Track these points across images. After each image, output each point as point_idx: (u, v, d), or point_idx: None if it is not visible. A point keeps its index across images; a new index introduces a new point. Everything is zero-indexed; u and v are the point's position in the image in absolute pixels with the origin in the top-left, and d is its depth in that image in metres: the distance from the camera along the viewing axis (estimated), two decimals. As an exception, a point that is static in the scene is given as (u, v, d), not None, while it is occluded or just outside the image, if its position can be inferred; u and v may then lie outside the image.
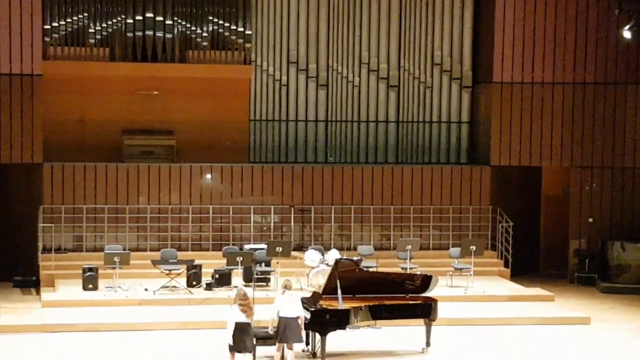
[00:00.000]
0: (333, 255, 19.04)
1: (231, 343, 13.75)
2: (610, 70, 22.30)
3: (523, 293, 19.81)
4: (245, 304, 13.83)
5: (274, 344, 14.57)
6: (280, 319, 14.31)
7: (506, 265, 21.53)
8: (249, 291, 16.32)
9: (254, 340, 14.27)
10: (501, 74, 22.07)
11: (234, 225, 21.31)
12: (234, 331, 13.69)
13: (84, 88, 21.81)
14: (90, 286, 18.79)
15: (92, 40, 21.50)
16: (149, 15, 21.60)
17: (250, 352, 14.17)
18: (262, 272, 19.22)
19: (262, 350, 14.81)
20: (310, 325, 14.87)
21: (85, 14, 21.48)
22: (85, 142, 21.74)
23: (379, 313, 15.28)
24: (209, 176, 21.46)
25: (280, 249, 18.92)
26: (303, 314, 14.42)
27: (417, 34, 23.05)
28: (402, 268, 19.62)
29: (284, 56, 22.71)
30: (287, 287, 14.53)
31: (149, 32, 21.57)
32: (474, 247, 19.80)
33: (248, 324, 13.83)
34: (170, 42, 21.72)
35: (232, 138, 22.29)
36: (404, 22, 23.01)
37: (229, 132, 22.26)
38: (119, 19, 21.62)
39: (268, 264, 19.55)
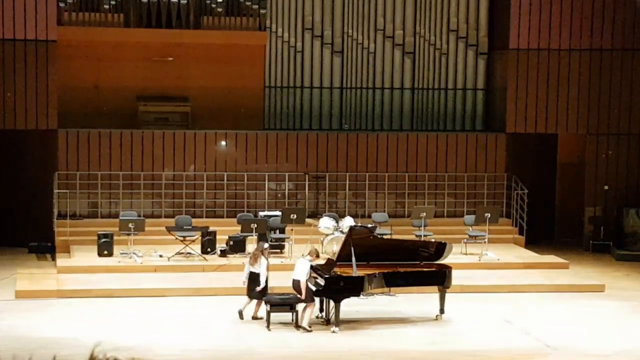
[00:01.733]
0: (347, 222, 19.04)
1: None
2: (627, 37, 22.11)
3: (538, 261, 19.79)
4: (252, 254, 15.45)
5: (288, 311, 14.78)
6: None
7: (521, 233, 21.49)
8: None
9: (262, 290, 15.22)
10: (517, 41, 21.92)
11: (248, 192, 21.32)
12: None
13: (98, 54, 21.78)
14: (105, 252, 18.86)
15: (106, 6, 21.44)
16: (164, -19, 21.49)
17: (256, 299, 15.27)
18: (277, 239, 19.24)
19: (276, 317, 14.90)
20: (324, 292, 14.91)
21: (100, -20, 21.40)
22: (100, 108, 21.73)
23: (393, 280, 15.30)
24: (223, 143, 21.45)
25: (295, 216, 18.94)
26: (302, 278, 14.89)
27: (432, 0, 22.88)
28: (416, 235, 19.61)
29: (299, 22, 22.60)
30: (310, 253, 15.24)
31: (164, -1, 21.48)
32: (489, 215, 19.76)
33: (254, 273, 15.21)
34: (185, 8, 21.63)
35: (246, 105, 22.25)
36: (420, -12, 22.84)
37: (243, 99, 22.22)
38: (133, -16, 21.53)
39: (282, 231, 19.57)
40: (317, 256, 15.35)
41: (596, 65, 22.15)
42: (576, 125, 22.28)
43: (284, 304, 14.93)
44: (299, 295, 14.86)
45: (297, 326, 14.85)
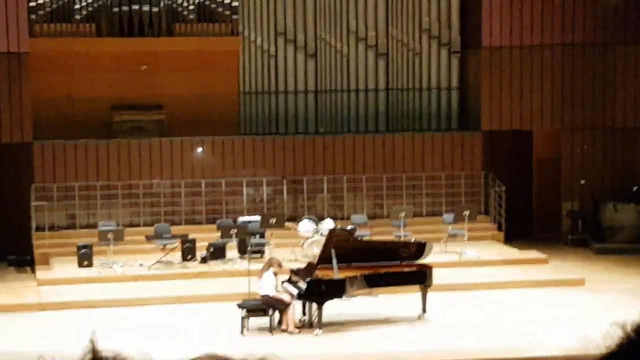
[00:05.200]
0: (327, 225, 19.05)
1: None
2: (598, 31, 22.25)
3: (517, 257, 19.88)
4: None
5: (264, 315, 14.76)
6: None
7: (500, 229, 21.58)
8: (244, 263, 16.40)
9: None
10: (490, 38, 22.01)
11: (226, 198, 21.29)
12: None
13: (71, 64, 21.68)
14: (85, 263, 18.78)
15: (78, 16, 21.35)
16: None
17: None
18: (257, 244, 19.23)
19: (254, 322, 14.90)
20: (306, 296, 14.92)
21: (70, -10, 21.32)
22: (74, 119, 21.61)
23: (374, 281, 15.33)
24: (200, 150, 21.41)
25: (274, 220, 18.93)
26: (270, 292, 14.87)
27: (404, 1, 22.94)
28: (396, 236, 19.64)
29: (272, 27, 22.60)
30: (269, 265, 15.09)
31: (135, 6, 21.43)
32: (467, 213, 19.83)
33: None
34: (156, 15, 21.58)
35: (222, 111, 22.21)
36: (391, -11, 22.90)
37: (218, 105, 22.18)
38: (104, -6, 21.46)
39: (262, 236, 19.55)
40: (279, 265, 15.19)
41: (568, 60, 22.28)
42: (551, 121, 22.40)
43: (259, 309, 14.91)
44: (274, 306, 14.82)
45: (272, 330, 14.83)
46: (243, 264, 18.06)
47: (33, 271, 19.37)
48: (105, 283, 17.99)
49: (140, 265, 18.89)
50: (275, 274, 14.98)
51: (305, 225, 19.40)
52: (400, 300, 16.47)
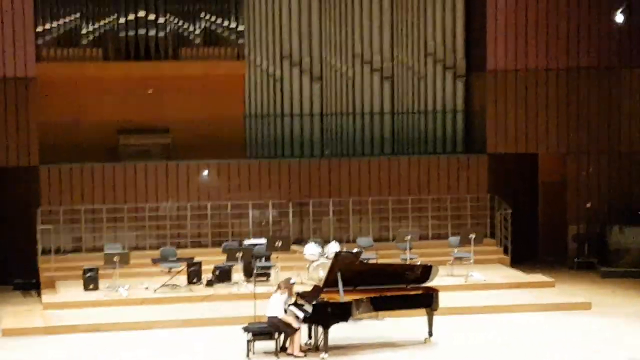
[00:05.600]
0: (333, 248, 19.05)
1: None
2: (603, 55, 22.30)
3: (523, 280, 19.83)
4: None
5: (270, 339, 14.71)
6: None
7: (506, 252, 21.56)
8: (250, 287, 16.41)
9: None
10: (495, 62, 22.08)
11: (232, 221, 21.31)
12: None
13: (78, 89, 21.80)
14: (91, 287, 18.79)
15: (84, 41, 21.48)
16: (141, 14, 21.57)
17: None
18: (262, 267, 19.22)
19: (260, 345, 14.88)
20: (312, 319, 14.90)
21: (77, 15, 21.47)
22: (80, 143, 21.70)
23: (380, 304, 15.30)
24: (206, 173, 21.46)
25: (280, 243, 18.92)
26: (279, 314, 14.85)
27: (409, 24, 23.05)
28: (402, 259, 19.63)
29: (277, 51, 22.70)
30: (279, 287, 15.03)
31: (142, 31, 21.55)
32: (473, 236, 19.82)
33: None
34: (163, 40, 21.70)
35: (227, 134, 22.28)
36: (396, 12, 23.01)
37: (224, 129, 22.25)
38: (111, 18, 21.60)
39: (268, 259, 19.55)
40: (287, 287, 15.17)
41: (573, 83, 22.32)
42: (556, 144, 22.42)
43: (265, 332, 14.88)
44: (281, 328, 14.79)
45: (277, 354, 14.80)
46: (249, 287, 18.05)
47: (39, 295, 19.38)
48: (111, 306, 17.98)
49: (146, 288, 18.89)
50: (289, 295, 14.97)
51: (311, 249, 19.40)
52: (406, 324, 16.44)
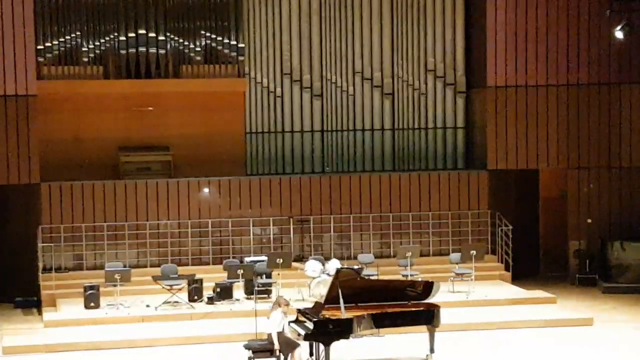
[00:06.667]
0: (334, 264, 19.03)
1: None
2: (603, 71, 22.35)
3: (525, 296, 19.81)
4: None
5: (271, 356, 14.68)
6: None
7: (507, 269, 21.54)
8: (251, 304, 16.39)
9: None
10: (495, 78, 22.12)
11: (233, 238, 21.31)
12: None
13: (78, 106, 21.83)
14: (92, 304, 18.77)
15: (85, 59, 21.53)
16: (142, 31, 21.63)
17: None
18: (263, 284, 19.21)
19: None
20: (313, 336, 14.86)
21: (78, 33, 21.52)
22: (81, 160, 21.72)
23: (381, 321, 15.26)
24: (206, 190, 21.47)
25: (281, 260, 18.92)
26: (272, 331, 14.75)
27: (409, 41, 23.10)
28: (403, 275, 19.61)
29: (278, 68, 22.75)
30: (277, 304, 14.92)
31: (142, 49, 21.60)
32: (474, 252, 19.81)
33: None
34: (163, 57, 21.75)
35: (228, 151, 22.30)
36: (396, 29, 23.07)
37: (225, 146, 22.28)
38: (111, 36, 21.65)
39: (269, 276, 19.54)
40: (287, 304, 15.11)
41: (574, 99, 22.36)
42: (557, 160, 22.44)
43: (266, 349, 14.84)
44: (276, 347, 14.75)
45: None
46: (250, 304, 18.03)
47: (40, 313, 19.36)
48: (112, 324, 17.96)
49: (147, 306, 18.87)
50: (285, 314, 14.93)
51: (312, 265, 19.39)
52: (407, 341, 16.41)
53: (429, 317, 15.54)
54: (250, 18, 22.53)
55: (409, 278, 18.95)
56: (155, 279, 19.20)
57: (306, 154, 22.80)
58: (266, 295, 19.11)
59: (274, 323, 14.78)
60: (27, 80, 20.61)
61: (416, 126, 23.21)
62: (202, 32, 21.95)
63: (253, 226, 21.36)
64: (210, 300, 18.97)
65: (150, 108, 22.13)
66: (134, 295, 19.37)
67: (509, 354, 16.00)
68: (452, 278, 19.91)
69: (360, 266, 19.38)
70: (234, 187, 21.57)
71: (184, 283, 19.13)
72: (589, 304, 19.99)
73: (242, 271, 18.67)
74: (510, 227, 21.50)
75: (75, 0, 21.46)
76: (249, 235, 21.34)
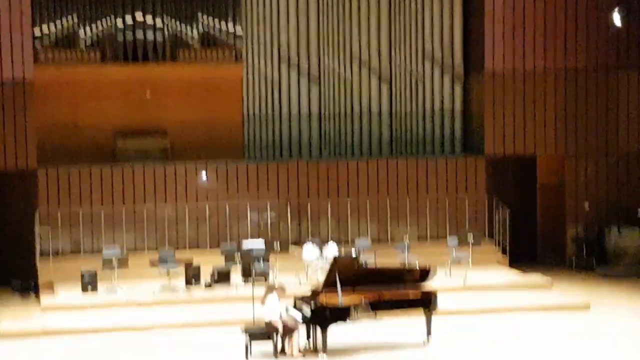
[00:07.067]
0: (331, 249, 19.05)
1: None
2: (601, 57, 22.33)
3: (522, 281, 19.84)
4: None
5: (268, 340, 14.70)
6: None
7: (504, 253, 21.57)
8: (249, 288, 16.43)
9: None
10: (492, 64, 22.10)
11: (230, 223, 21.32)
12: None
13: (76, 92, 21.81)
14: (90, 289, 18.78)
15: (82, 44, 21.49)
16: (139, 16, 21.59)
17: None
18: (261, 269, 19.19)
19: (258, 347, 14.88)
20: (311, 321, 14.90)
21: (75, 18, 21.48)
22: (79, 145, 21.72)
23: (378, 306, 15.29)
24: (204, 175, 21.46)
25: (278, 245, 18.93)
26: (272, 317, 14.82)
27: (407, 26, 23.07)
28: (400, 260, 19.63)
29: (275, 53, 22.71)
30: (270, 290, 14.97)
31: (140, 34, 21.57)
32: (472, 237, 19.83)
33: None
34: (160, 42, 21.72)
35: (225, 136, 22.29)
36: (394, 14, 23.03)
37: (222, 131, 22.27)
38: (108, 21, 21.61)
39: (266, 261, 19.55)
40: (282, 288, 15.13)
41: (572, 85, 22.35)
42: (554, 146, 22.43)
43: (263, 334, 14.87)
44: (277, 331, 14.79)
45: (276, 355, 14.79)
46: (247, 289, 18.04)
47: (37, 297, 19.38)
48: (109, 308, 17.98)
49: (145, 290, 18.88)
50: (279, 298, 14.95)
51: (309, 250, 19.41)
52: (404, 325, 16.43)
53: (425, 302, 15.56)
54: (247, 3, 22.48)
55: (406, 263, 18.96)
56: (153, 263, 19.21)
57: (303, 138, 22.79)
58: (263, 280, 19.13)
59: (271, 308, 14.80)
60: (24, 66, 20.57)
61: (414, 111, 23.19)
62: (200, 17, 21.91)
63: (250, 211, 21.37)
64: (208, 285, 18.99)
65: (148, 93, 22.09)
66: (131, 280, 19.38)
67: (505, 338, 16.02)
68: (449, 263, 19.93)
69: (357, 251, 19.40)
70: (231, 172, 21.57)
71: (181, 268, 19.13)
72: (586, 289, 20.03)
73: (239, 256, 18.68)
74: (508, 212, 21.50)
75: (72, -15, 21.44)
76: (247, 220, 21.34)
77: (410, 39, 23.09)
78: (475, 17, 22.65)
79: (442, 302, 15.92)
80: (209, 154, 22.00)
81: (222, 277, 19.05)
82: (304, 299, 15.21)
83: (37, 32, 21.18)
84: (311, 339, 15.32)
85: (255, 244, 19.84)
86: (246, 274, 18.98)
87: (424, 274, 15.85)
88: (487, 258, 21.24)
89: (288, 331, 14.79)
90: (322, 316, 14.76)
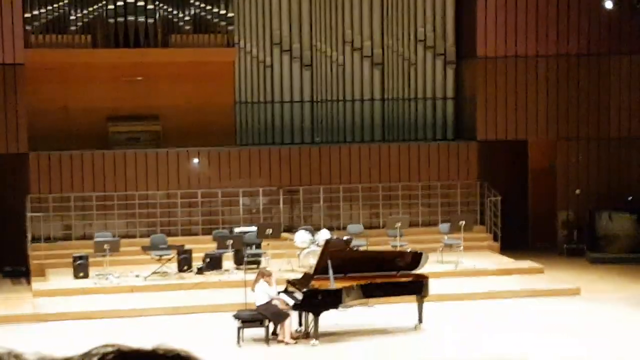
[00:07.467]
0: (323, 235, 19.05)
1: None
2: (593, 42, 22.33)
3: (513, 266, 19.89)
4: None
5: (260, 326, 14.73)
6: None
7: (495, 239, 21.61)
8: (241, 274, 16.44)
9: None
10: (485, 49, 22.07)
11: (223, 208, 21.30)
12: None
13: (67, 76, 21.71)
14: (81, 274, 18.76)
15: (73, 28, 21.38)
16: (130, 0, 21.48)
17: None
18: (253, 255, 19.23)
19: (250, 333, 14.90)
20: (303, 306, 14.92)
21: (66, 1, 21.35)
22: (70, 130, 21.63)
23: (370, 291, 15.33)
24: (196, 160, 21.42)
25: (270, 230, 18.94)
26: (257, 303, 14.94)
27: (399, 11, 23.01)
28: (392, 246, 19.64)
29: (267, 37, 22.65)
30: (260, 276, 15.05)
31: (131, 17, 21.47)
32: (463, 223, 19.86)
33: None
34: (152, 26, 21.61)
35: (217, 121, 22.24)
36: (386, -1, 22.97)
37: (214, 116, 22.21)
38: (99, 4, 21.50)
39: (258, 246, 19.56)
40: (269, 275, 15.15)
41: (563, 70, 22.35)
42: (546, 131, 22.45)
43: (255, 319, 14.89)
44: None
45: (268, 341, 14.82)
46: (239, 275, 18.04)
47: (29, 282, 19.35)
48: (101, 294, 17.98)
49: (137, 276, 18.88)
50: (269, 284, 14.97)
51: (302, 236, 19.41)
52: (396, 311, 16.47)
53: (417, 288, 15.60)
54: (239, -13, 22.38)
55: (398, 248, 18.99)
56: (145, 249, 19.20)
57: (296, 124, 22.76)
58: (255, 266, 19.13)
59: (263, 294, 14.82)
60: (15, 50, 20.47)
61: (406, 96, 23.17)
62: (192, 1, 21.81)
63: (242, 196, 21.35)
64: (200, 271, 18.99)
65: (139, 78, 22.01)
66: (123, 266, 19.35)
67: (496, 323, 16.07)
68: (441, 248, 19.97)
69: (349, 237, 19.38)
70: (223, 158, 21.53)
71: (173, 253, 19.12)
72: (577, 274, 20.08)
73: (231, 242, 18.69)
74: (499, 198, 21.54)
75: (63, -31, 21.30)
76: (239, 206, 21.33)
77: (402, 24, 23.04)
78: (468, 2, 22.60)
79: (433, 287, 15.97)
80: (201, 139, 21.93)
81: (213, 262, 19.04)
82: (296, 284, 15.22)
83: (28, 16, 21.04)
84: (303, 326, 15.34)
85: (247, 229, 19.85)
86: (238, 260, 18.97)
87: (416, 259, 15.88)
88: (478, 244, 21.29)
89: (279, 317, 14.81)
90: (314, 301, 14.78)
